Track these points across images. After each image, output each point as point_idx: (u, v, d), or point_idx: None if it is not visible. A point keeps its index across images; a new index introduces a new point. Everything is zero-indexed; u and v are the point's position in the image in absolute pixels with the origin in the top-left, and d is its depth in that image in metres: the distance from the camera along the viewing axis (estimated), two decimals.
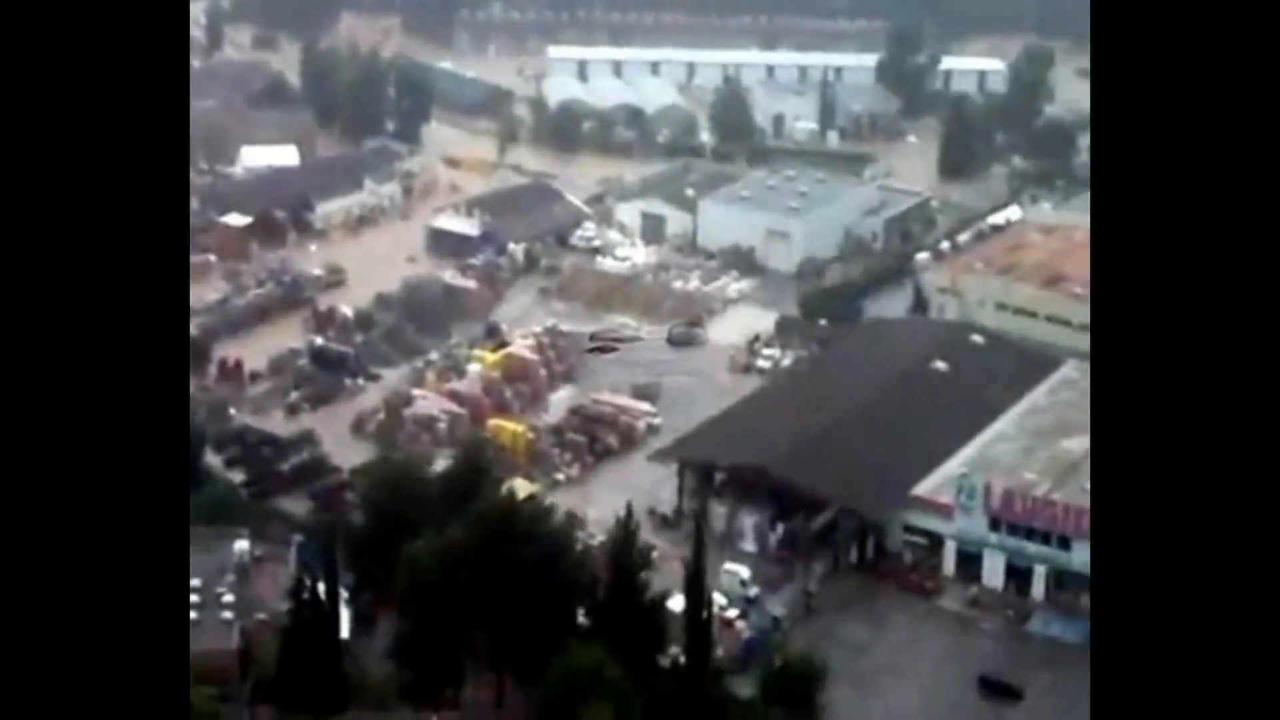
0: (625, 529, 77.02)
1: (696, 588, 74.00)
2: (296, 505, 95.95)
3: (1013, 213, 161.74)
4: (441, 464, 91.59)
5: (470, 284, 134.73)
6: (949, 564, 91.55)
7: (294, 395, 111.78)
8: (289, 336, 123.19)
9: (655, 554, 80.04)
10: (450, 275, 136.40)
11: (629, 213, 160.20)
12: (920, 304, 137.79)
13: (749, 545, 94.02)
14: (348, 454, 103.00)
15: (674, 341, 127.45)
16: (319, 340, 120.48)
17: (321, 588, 71.66)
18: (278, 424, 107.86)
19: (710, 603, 75.55)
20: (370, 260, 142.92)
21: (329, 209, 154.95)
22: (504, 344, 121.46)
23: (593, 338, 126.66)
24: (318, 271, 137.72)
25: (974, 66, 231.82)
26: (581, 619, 77.42)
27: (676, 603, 77.31)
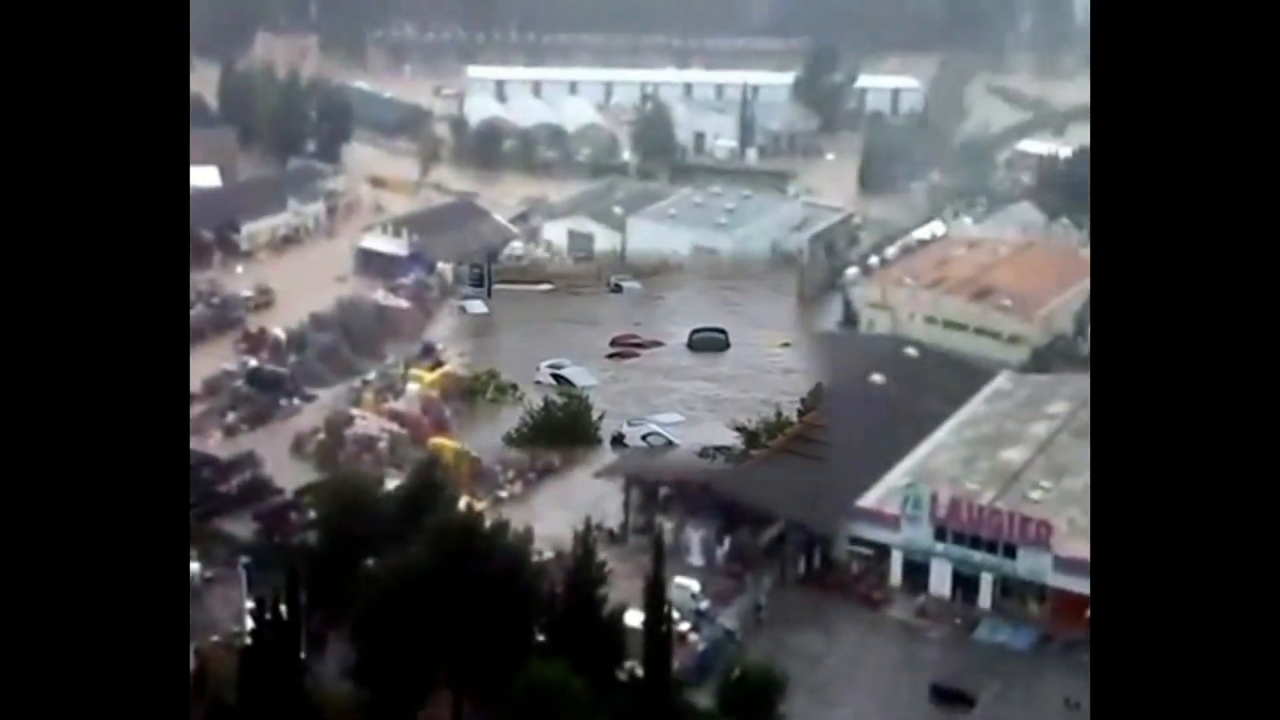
0: (584, 544, 77.41)
1: (657, 601, 74.29)
2: (239, 527, 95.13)
3: (936, 228, 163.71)
4: (393, 483, 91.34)
5: (402, 303, 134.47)
6: (896, 574, 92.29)
7: (231, 416, 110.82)
8: (221, 358, 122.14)
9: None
10: (382, 295, 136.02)
11: (556, 231, 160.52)
12: (850, 318, 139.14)
13: (696, 559, 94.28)
14: (289, 474, 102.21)
15: (695, 347, 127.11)
16: (253, 361, 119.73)
17: (283, 608, 71.13)
18: (216, 445, 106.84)
19: (670, 616, 75.87)
20: (298, 280, 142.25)
21: (254, 229, 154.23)
22: (440, 363, 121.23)
23: (613, 343, 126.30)
24: (247, 292, 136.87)
25: (888, 84, 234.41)
26: (539, 635, 77.48)
27: (629, 617, 77.76)
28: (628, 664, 77.20)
